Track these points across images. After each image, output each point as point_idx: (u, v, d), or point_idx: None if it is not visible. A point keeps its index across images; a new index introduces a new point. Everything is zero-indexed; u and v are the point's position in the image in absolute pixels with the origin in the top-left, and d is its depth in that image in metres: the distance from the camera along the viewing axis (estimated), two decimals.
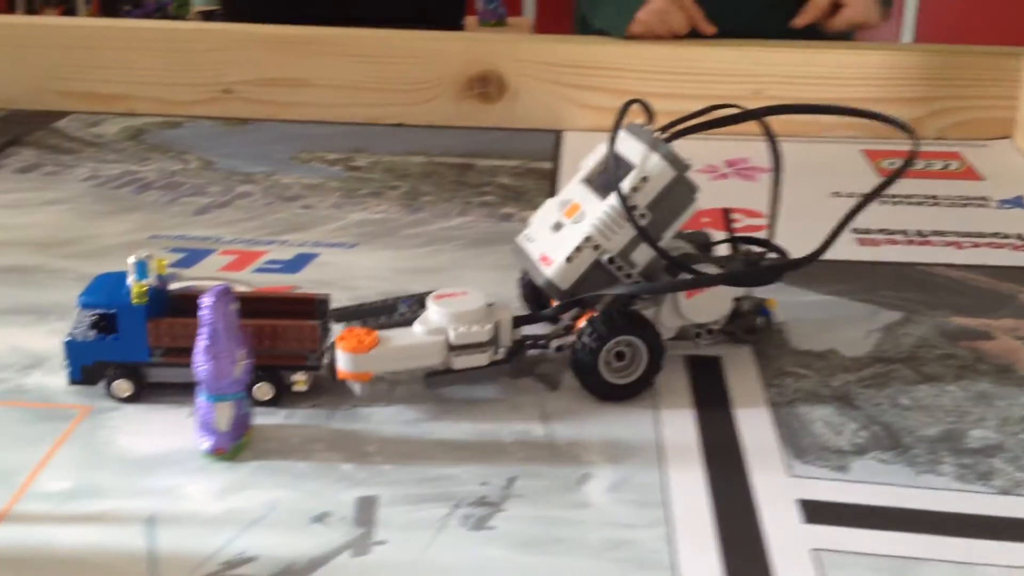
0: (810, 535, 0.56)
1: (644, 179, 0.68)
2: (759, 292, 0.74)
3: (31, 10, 1.69)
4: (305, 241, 0.91)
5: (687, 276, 0.69)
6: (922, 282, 0.86)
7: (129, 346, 0.65)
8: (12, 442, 0.63)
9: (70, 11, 1.66)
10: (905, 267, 0.89)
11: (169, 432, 0.64)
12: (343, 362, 0.65)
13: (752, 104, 1.21)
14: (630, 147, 0.70)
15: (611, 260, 0.69)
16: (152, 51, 1.25)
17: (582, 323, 0.68)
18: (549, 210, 0.74)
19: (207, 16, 1.81)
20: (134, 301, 0.65)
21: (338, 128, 1.23)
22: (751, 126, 1.25)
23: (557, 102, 1.24)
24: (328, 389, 0.68)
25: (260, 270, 0.85)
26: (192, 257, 0.87)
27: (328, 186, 1.05)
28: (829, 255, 0.90)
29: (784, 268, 0.73)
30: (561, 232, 0.70)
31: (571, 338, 0.68)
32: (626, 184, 0.68)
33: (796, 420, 0.67)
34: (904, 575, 0.53)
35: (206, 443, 0.61)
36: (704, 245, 0.75)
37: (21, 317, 0.77)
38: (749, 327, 0.74)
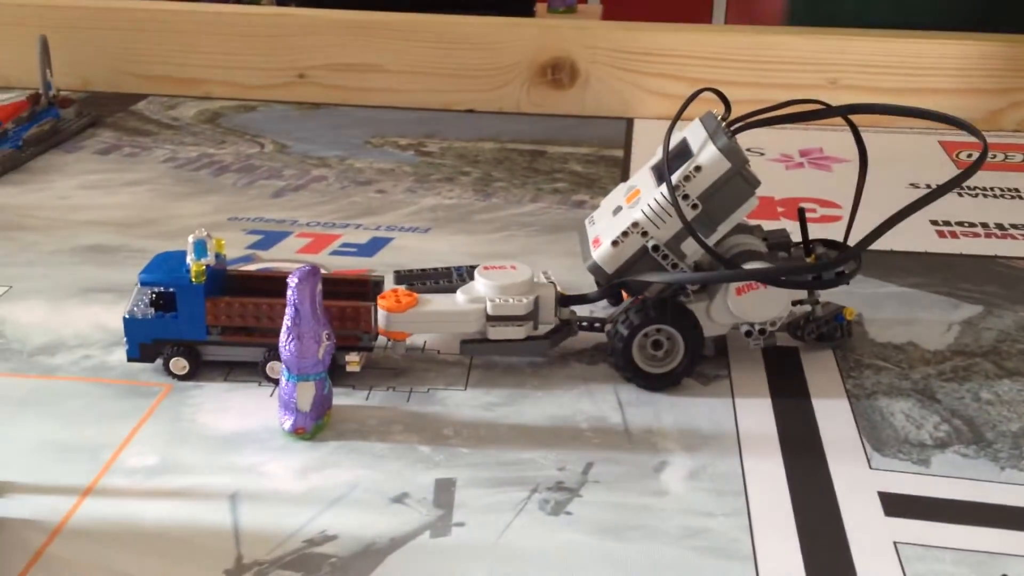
0: (891, 527, 0.56)
1: (697, 169, 0.66)
2: (834, 297, 0.73)
3: None
4: (379, 225, 0.92)
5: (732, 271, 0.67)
6: (1002, 276, 0.85)
7: (187, 324, 0.66)
8: (98, 418, 0.64)
9: None
10: (985, 260, 0.88)
11: (250, 411, 0.65)
12: (382, 320, 0.67)
13: (828, 94, 1.20)
14: (696, 136, 0.69)
15: (656, 248, 0.68)
16: (228, 35, 1.27)
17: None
18: (616, 194, 0.74)
19: (281, 2, 1.82)
20: (193, 280, 0.66)
21: (409, 113, 1.24)
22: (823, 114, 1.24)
23: (629, 89, 1.24)
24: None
25: (336, 253, 0.86)
26: (269, 239, 0.88)
27: (401, 171, 1.05)
28: (906, 246, 0.90)
29: (807, 270, 0.70)
30: (618, 216, 0.70)
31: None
32: (678, 173, 0.67)
33: (876, 413, 0.66)
34: (987, 570, 0.53)
35: (288, 422, 0.62)
36: (780, 244, 0.73)
37: (104, 295, 0.78)
38: (821, 333, 0.72)
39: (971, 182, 1.05)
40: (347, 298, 0.67)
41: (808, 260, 0.73)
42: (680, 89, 1.23)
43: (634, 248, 0.68)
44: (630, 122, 1.22)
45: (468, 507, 0.57)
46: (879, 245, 0.89)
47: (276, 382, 0.66)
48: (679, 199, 0.66)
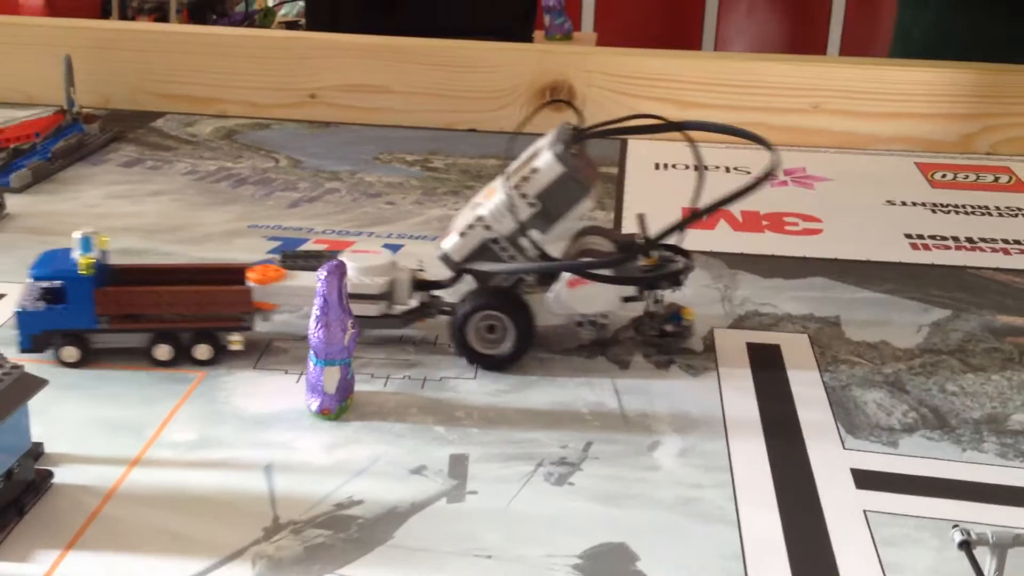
0: (861, 498, 0.62)
1: (534, 171, 0.73)
2: (674, 297, 0.78)
3: (124, 18, 1.79)
4: (391, 233, 0.98)
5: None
6: (971, 284, 0.92)
7: (77, 315, 0.72)
8: (140, 400, 0.70)
9: (162, 20, 1.75)
10: (955, 270, 0.94)
11: (278, 395, 0.71)
12: (252, 292, 0.74)
13: (810, 118, 1.27)
14: (543, 143, 0.75)
15: (495, 241, 0.74)
16: (243, 57, 1.34)
17: None
18: (481, 192, 0.79)
19: (291, 27, 1.90)
20: (81, 272, 0.71)
21: (415, 132, 1.31)
22: (817, 138, 1.31)
23: (623, 111, 1.29)
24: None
25: None
26: (288, 245, 0.95)
27: (409, 184, 1.12)
28: (881, 256, 0.97)
29: (607, 264, 0.75)
30: (472, 211, 0.76)
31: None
32: (518, 174, 0.74)
33: (850, 401, 0.72)
34: (945, 533, 0.59)
35: (314, 403, 0.68)
36: (626, 247, 0.78)
37: None
38: (659, 331, 0.78)
39: (944, 199, 1.12)
40: (228, 283, 0.74)
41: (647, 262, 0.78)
42: (671, 111, 1.30)
43: (477, 240, 0.75)
44: (624, 142, 1.28)
45: (480, 478, 0.63)
46: (856, 255, 0.96)
47: (165, 364, 0.72)
48: (518, 197, 0.73)
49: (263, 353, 0.76)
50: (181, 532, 0.57)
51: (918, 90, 1.28)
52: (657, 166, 1.21)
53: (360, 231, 0.99)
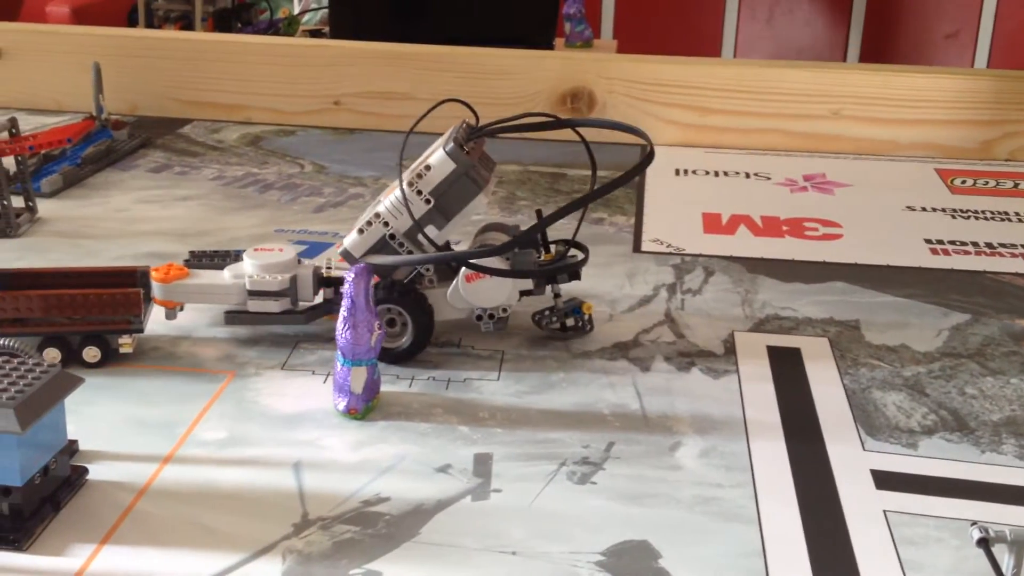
0: (881, 499, 0.63)
1: (427, 168, 0.75)
2: (569, 292, 0.80)
3: (150, 27, 1.81)
4: None
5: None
6: (990, 288, 0.92)
7: None
8: (171, 400, 0.71)
9: (188, 28, 1.77)
10: (974, 275, 0.95)
11: (306, 395, 0.72)
12: (155, 289, 0.76)
13: (831, 124, 1.28)
14: (440, 141, 0.77)
15: (392, 237, 0.75)
16: (268, 65, 1.36)
17: None
18: (385, 191, 0.81)
19: (314, 35, 1.91)
20: None
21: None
22: (837, 144, 1.32)
23: (643, 117, 1.32)
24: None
25: None
26: (313, 249, 0.96)
27: None
28: (901, 261, 0.97)
29: (491, 254, 0.76)
30: (372, 208, 0.78)
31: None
32: (410, 170, 0.75)
33: (870, 404, 0.73)
34: (965, 533, 0.59)
35: (341, 403, 0.69)
36: (527, 243, 0.79)
37: None
38: (562, 323, 0.80)
39: (964, 205, 1.13)
40: (116, 287, 0.75)
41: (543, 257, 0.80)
42: (691, 118, 1.31)
43: (376, 237, 0.76)
44: (643, 148, 1.29)
45: (504, 477, 0.64)
46: (876, 260, 0.97)
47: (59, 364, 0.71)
48: (413, 194, 0.74)
49: (290, 354, 0.77)
50: (212, 527, 0.58)
51: (938, 96, 1.28)
52: (678, 172, 1.22)
53: None
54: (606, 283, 0.89)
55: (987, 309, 0.88)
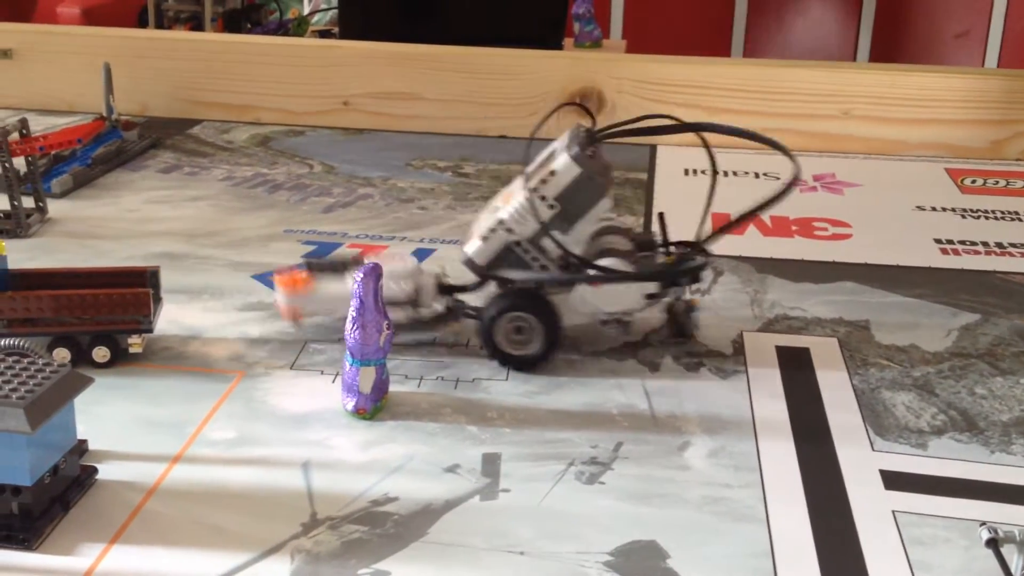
0: (890, 499, 0.63)
1: (552, 173, 0.74)
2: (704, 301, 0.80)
3: (160, 28, 1.82)
4: (423, 238, 1.00)
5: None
6: (1000, 288, 0.92)
7: None
8: (180, 400, 0.71)
9: (197, 29, 1.78)
10: (984, 274, 0.95)
11: (314, 395, 0.72)
12: (279, 298, 0.76)
13: (840, 124, 1.28)
14: (560, 145, 0.77)
15: (518, 244, 0.75)
16: (277, 66, 1.36)
17: None
18: (499, 196, 0.81)
19: (323, 35, 1.92)
20: None
21: (446, 139, 1.32)
22: (846, 144, 1.31)
23: None
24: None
25: None
26: (322, 249, 0.96)
27: (440, 190, 1.13)
28: (910, 261, 0.97)
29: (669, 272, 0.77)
30: (492, 215, 0.77)
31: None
32: (536, 177, 0.74)
33: (879, 404, 0.73)
34: (974, 534, 0.59)
35: (350, 403, 0.69)
36: (645, 244, 0.80)
37: (176, 296, 0.86)
38: (682, 328, 0.80)
39: (974, 205, 1.12)
40: (126, 287, 0.75)
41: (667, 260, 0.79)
42: (700, 117, 1.30)
43: (500, 244, 0.76)
44: (653, 148, 1.29)
45: (513, 477, 0.64)
46: (886, 260, 0.97)
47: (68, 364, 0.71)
48: (538, 200, 0.74)
49: (299, 354, 0.77)
50: (221, 527, 0.59)
51: (948, 96, 1.28)
52: (687, 171, 1.21)
53: (393, 235, 1.00)
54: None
55: (997, 309, 0.88)
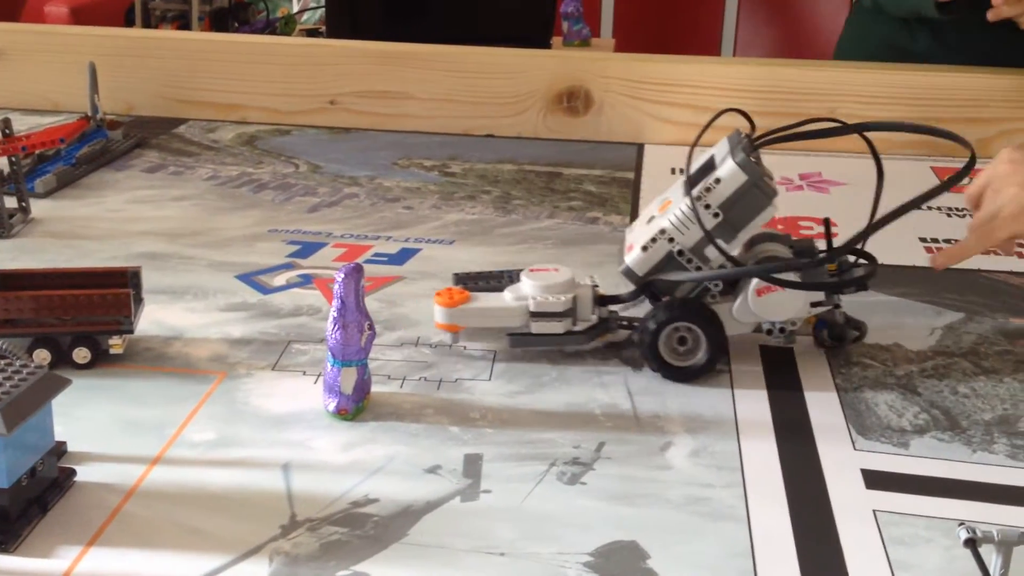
0: (871, 498, 0.63)
1: (717, 181, 0.74)
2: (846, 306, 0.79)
3: (147, 27, 1.81)
4: (408, 237, 1.00)
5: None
6: (984, 287, 0.92)
7: None
8: (161, 401, 0.71)
9: (184, 28, 1.77)
10: (968, 273, 0.95)
11: (296, 396, 0.72)
12: (438, 314, 0.75)
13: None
14: (721, 152, 0.76)
15: (680, 253, 0.75)
16: (264, 65, 1.36)
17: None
18: (651, 205, 0.81)
19: (311, 34, 1.91)
20: None
21: (433, 138, 1.32)
22: (832, 143, 1.30)
23: (640, 116, 1.31)
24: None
25: (368, 262, 0.94)
26: (307, 249, 0.96)
27: (426, 189, 1.13)
28: (895, 260, 0.97)
29: (793, 268, 0.76)
30: (650, 224, 0.77)
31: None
32: (700, 185, 0.74)
33: (862, 403, 0.73)
34: (954, 534, 0.59)
35: (332, 404, 0.69)
36: (804, 252, 0.79)
37: (159, 296, 0.86)
38: (837, 336, 0.78)
39: (959, 203, 1.12)
40: (107, 287, 0.75)
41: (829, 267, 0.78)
42: (688, 117, 1.31)
43: (661, 253, 0.75)
44: (641, 147, 1.29)
45: (494, 477, 0.64)
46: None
47: (50, 366, 0.72)
48: (701, 208, 0.73)
49: (281, 355, 0.77)
50: (200, 529, 0.58)
51: (934, 95, 1.28)
52: (673, 171, 1.21)
53: (378, 235, 1.00)
54: (600, 282, 0.89)
55: (981, 308, 0.88)
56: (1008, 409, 0.72)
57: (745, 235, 0.75)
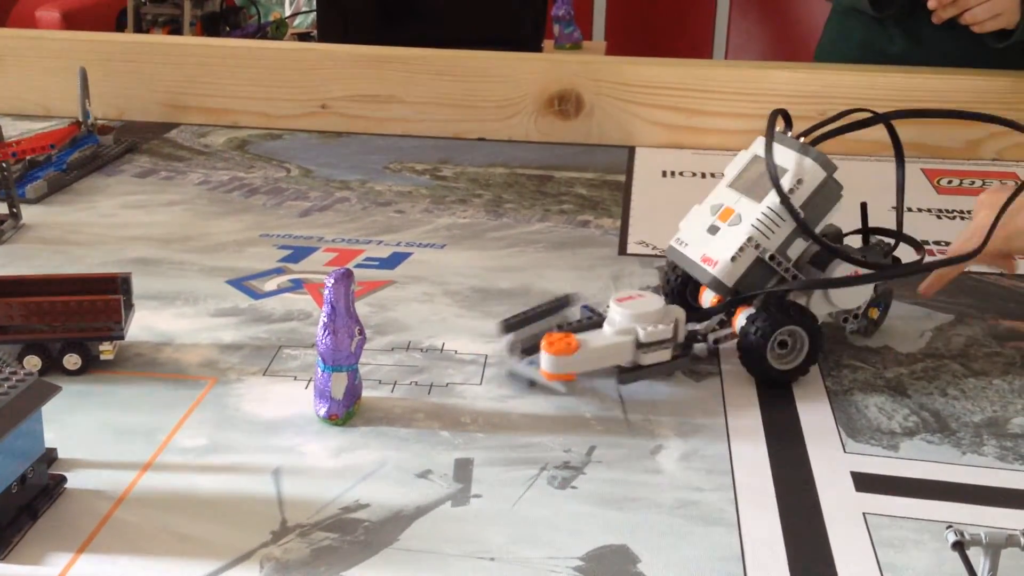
0: (861, 501, 0.63)
1: (800, 181, 0.75)
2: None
3: (139, 32, 1.81)
4: (400, 241, 1.00)
5: (848, 271, 0.75)
6: (974, 288, 0.92)
7: None
8: (152, 407, 0.71)
9: (176, 33, 1.77)
10: (958, 275, 0.95)
11: (287, 401, 0.72)
12: (548, 364, 0.71)
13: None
14: (783, 153, 0.76)
15: (771, 257, 0.75)
16: (255, 69, 1.36)
17: (739, 317, 0.75)
18: (700, 215, 0.80)
19: (302, 38, 1.91)
20: None
21: (425, 141, 1.32)
22: (823, 145, 1.31)
23: (630, 119, 1.32)
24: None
25: (360, 266, 0.94)
26: (298, 253, 0.96)
27: (418, 193, 1.13)
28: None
29: (938, 265, 0.79)
30: (719, 234, 0.77)
31: (727, 331, 0.76)
32: (785, 186, 0.74)
33: (852, 406, 0.73)
34: (943, 536, 0.59)
35: (322, 409, 0.69)
36: (836, 237, 0.80)
37: (150, 302, 0.86)
38: (876, 323, 0.81)
39: (950, 205, 1.13)
40: (98, 293, 0.74)
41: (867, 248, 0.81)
42: (678, 120, 1.31)
43: (750, 260, 0.75)
44: (632, 150, 1.30)
45: (485, 482, 0.64)
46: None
47: (40, 373, 0.72)
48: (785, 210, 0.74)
49: (272, 360, 0.77)
50: (191, 535, 0.58)
51: (925, 97, 1.28)
52: (664, 173, 1.22)
53: (370, 239, 1.00)
54: (591, 285, 0.89)
55: (971, 310, 0.88)
56: (997, 411, 0.73)
57: (818, 229, 0.76)
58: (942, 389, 0.75)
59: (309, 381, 0.74)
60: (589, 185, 1.17)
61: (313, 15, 2.04)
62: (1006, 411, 0.73)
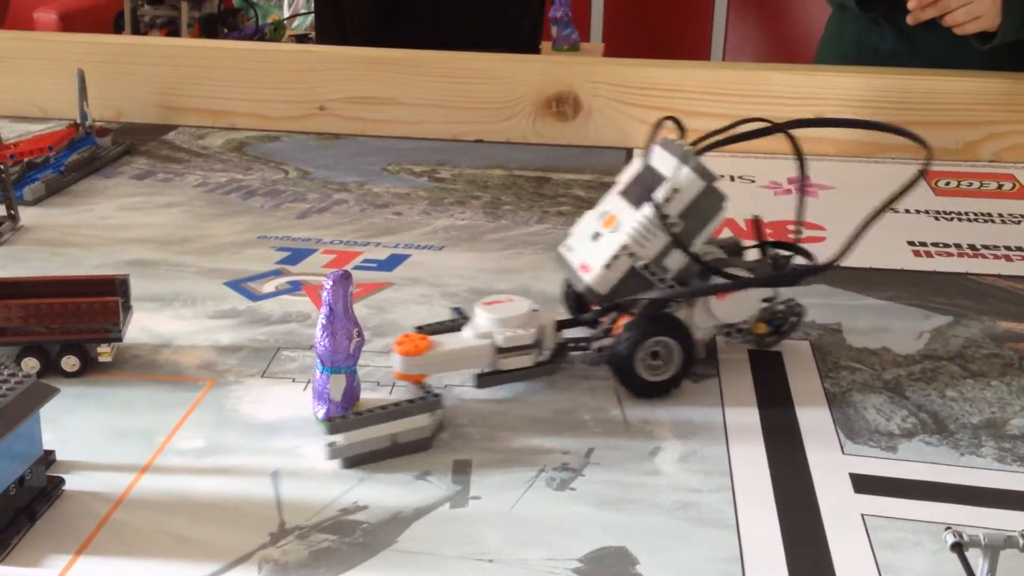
0: (859, 503, 0.63)
1: (675, 190, 0.73)
2: (786, 293, 0.80)
3: (137, 33, 1.82)
4: (397, 243, 1.00)
5: (720, 280, 0.74)
6: (972, 290, 0.92)
7: None
8: (150, 408, 0.71)
9: (174, 34, 1.78)
10: (956, 276, 0.95)
11: (285, 403, 0.72)
12: (398, 364, 0.71)
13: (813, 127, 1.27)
14: (663, 161, 0.76)
15: (646, 267, 0.74)
16: (253, 71, 1.36)
17: (620, 326, 0.74)
18: (588, 221, 0.79)
19: (300, 40, 1.91)
20: None
21: (423, 143, 1.32)
22: (821, 146, 1.31)
23: (628, 121, 1.32)
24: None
25: (358, 268, 0.94)
26: (296, 255, 0.96)
27: (416, 195, 1.13)
28: (884, 263, 0.97)
29: (808, 272, 0.78)
30: (599, 241, 0.76)
31: (609, 340, 0.74)
32: (659, 195, 0.73)
33: (850, 407, 0.73)
34: (942, 538, 0.59)
35: (321, 411, 0.69)
36: (734, 250, 0.80)
37: (148, 304, 0.86)
38: (778, 328, 0.79)
39: (947, 206, 1.13)
40: (96, 295, 0.74)
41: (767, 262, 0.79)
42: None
43: (624, 269, 0.74)
44: (629, 151, 1.30)
45: (483, 484, 0.64)
46: (859, 263, 0.97)
47: (38, 374, 0.71)
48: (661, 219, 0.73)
49: (270, 362, 0.77)
50: (189, 537, 0.58)
51: (922, 98, 1.29)
52: None
53: (368, 241, 1.00)
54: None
55: (969, 311, 0.88)
56: (996, 412, 0.73)
57: (700, 240, 0.75)
58: (940, 390, 0.75)
59: (307, 383, 0.74)
60: (587, 187, 1.17)
61: (311, 17, 2.04)
62: (1004, 412, 0.73)
